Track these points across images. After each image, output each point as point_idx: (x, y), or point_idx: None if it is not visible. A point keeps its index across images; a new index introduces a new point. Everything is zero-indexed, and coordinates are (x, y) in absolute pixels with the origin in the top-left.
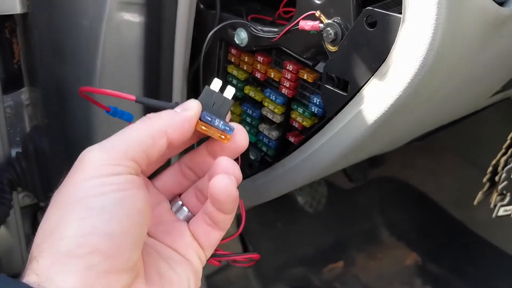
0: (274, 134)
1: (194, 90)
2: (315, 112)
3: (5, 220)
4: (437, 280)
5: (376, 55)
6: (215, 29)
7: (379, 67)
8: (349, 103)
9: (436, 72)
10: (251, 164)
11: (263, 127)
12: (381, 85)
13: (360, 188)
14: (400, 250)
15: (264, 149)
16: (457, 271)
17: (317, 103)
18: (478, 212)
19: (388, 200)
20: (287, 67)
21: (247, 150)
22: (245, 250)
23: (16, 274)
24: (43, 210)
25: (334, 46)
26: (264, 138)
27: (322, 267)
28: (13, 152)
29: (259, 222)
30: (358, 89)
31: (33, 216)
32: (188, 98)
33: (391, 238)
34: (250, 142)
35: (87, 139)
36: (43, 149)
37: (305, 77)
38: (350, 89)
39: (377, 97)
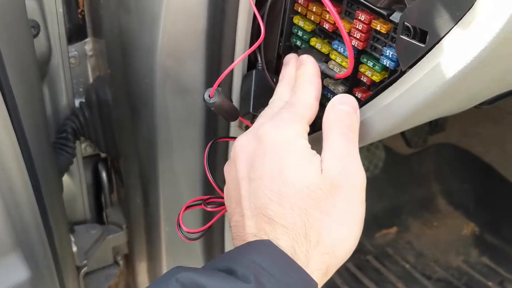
0: (340, 89)
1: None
2: (387, 65)
3: (69, 168)
4: (495, 251)
5: (462, 2)
6: None
7: (463, 16)
8: (427, 55)
9: None
10: (314, 122)
11: (328, 82)
12: (464, 36)
13: (419, 154)
14: (457, 219)
15: None
16: None
17: (390, 55)
18: None
19: (447, 167)
20: (359, 17)
21: None
22: None
23: (79, 221)
24: (104, 161)
25: None
26: (329, 94)
27: (374, 231)
28: (77, 103)
29: None
30: (438, 40)
31: (95, 166)
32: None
33: (448, 207)
34: None
35: (150, 90)
36: (105, 99)
37: (378, 28)
38: (429, 40)
39: (459, 49)
